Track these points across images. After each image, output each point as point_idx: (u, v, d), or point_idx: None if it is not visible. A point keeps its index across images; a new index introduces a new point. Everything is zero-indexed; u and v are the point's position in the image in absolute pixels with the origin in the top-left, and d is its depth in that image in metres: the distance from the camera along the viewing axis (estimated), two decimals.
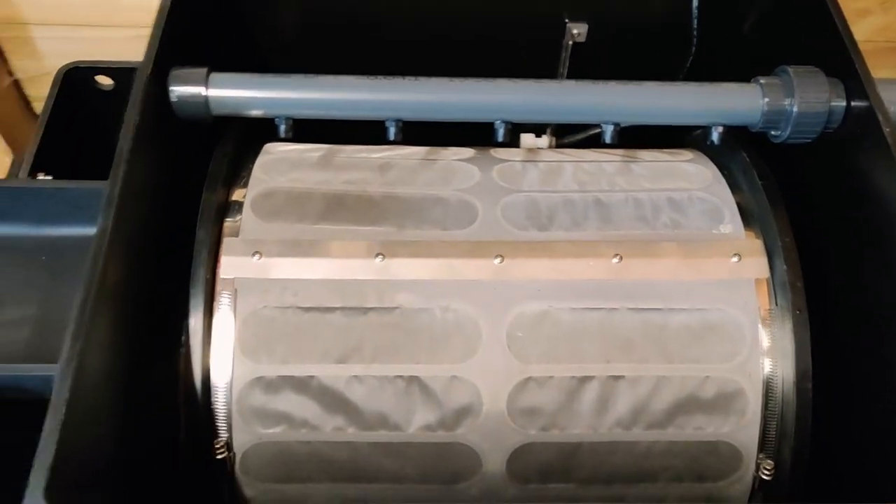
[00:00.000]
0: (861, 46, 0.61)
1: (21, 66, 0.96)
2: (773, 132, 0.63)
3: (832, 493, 0.62)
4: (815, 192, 0.66)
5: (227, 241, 0.61)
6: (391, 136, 0.62)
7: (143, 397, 0.54)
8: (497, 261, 0.62)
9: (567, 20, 0.78)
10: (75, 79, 0.83)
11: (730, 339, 0.61)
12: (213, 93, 0.59)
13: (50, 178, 0.75)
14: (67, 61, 0.90)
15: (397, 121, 0.61)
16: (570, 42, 0.78)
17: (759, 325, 0.61)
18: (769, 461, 0.60)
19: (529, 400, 0.60)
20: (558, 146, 0.87)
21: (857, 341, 0.61)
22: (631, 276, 0.62)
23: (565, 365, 0.60)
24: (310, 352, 0.59)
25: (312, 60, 0.74)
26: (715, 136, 0.63)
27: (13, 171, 0.77)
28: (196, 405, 0.57)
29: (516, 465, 0.60)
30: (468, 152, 0.73)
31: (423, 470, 0.61)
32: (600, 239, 0.64)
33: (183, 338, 0.58)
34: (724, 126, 0.63)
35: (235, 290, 0.60)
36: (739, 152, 0.68)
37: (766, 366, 0.61)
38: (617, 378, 0.60)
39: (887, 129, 0.56)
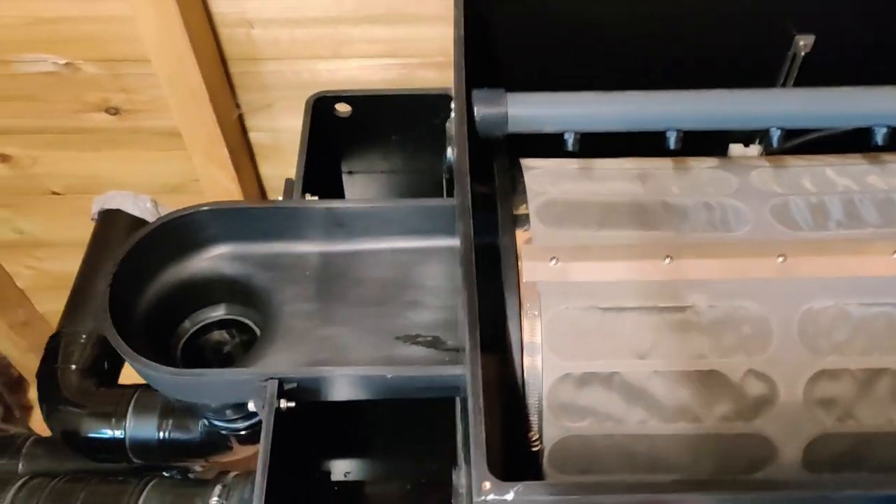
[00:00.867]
0: None
1: (245, 99, 1.04)
2: None
3: None
4: None
5: (525, 248, 0.66)
6: (671, 146, 0.66)
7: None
8: (780, 260, 0.65)
9: (794, 32, 0.81)
10: (318, 107, 0.89)
11: None
12: (512, 111, 0.64)
13: (316, 198, 0.81)
14: (284, 93, 0.98)
15: (678, 130, 0.65)
16: (797, 53, 0.81)
17: None
18: None
19: (825, 392, 0.63)
20: (769, 153, 0.89)
21: None
22: None
23: (858, 358, 0.63)
24: (612, 349, 0.63)
25: (550, 77, 0.79)
26: None
27: (286, 194, 0.84)
28: (514, 401, 0.62)
29: (812, 454, 0.63)
30: (713, 161, 0.76)
31: (719, 460, 0.64)
32: (876, 237, 0.66)
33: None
34: None
35: (539, 293, 0.64)
36: None
37: None
38: None
39: None
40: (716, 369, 0.63)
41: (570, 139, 0.65)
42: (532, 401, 0.63)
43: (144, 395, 1.03)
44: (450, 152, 0.87)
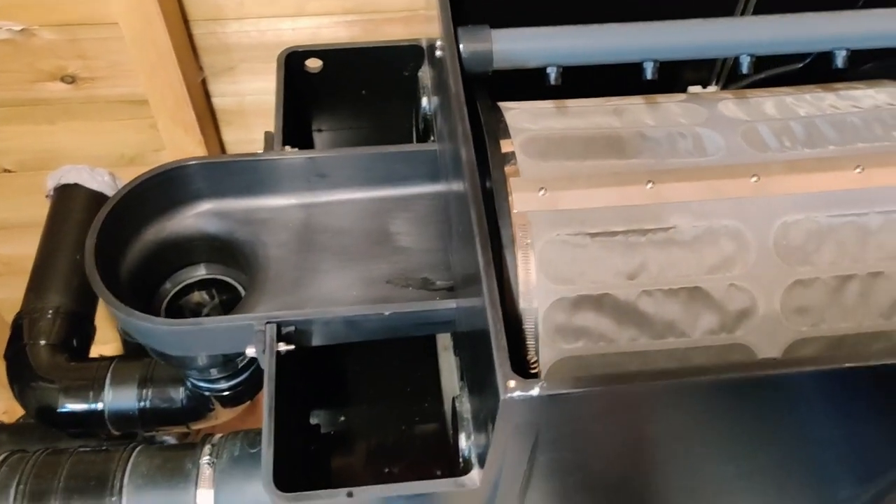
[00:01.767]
0: None
1: (208, 62, 1.03)
2: None
3: None
4: None
5: (513, 181, 0.68)
6: (648, 76, 0.69)
7: None
8: (753, 179, 0.68)
9: None
10: (289, 64, 0.89)
11: None
12: (497, 47, 0.66)
13: (295, 149, 0.81)
14: (248, 54, 0.97)
15: (655, 61, 0.68)
16: None
17: None
18: None
19: (799, 300, 0.67)
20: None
21: None
22: (873, 183, 0.69)
23: (828, 266, 0.67)
24: (602, 272, 0.66)
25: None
26: None
27: (267, 146, 0.83)
28: (511, 328, 0.64)
29: None
30: (681, 96, 0.80)
31: None
32: (839, 154, 0.71)
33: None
34: None
35: (530, 222, 0.66)
36: None
37: None
38: (875, 274, 0.67)
39: None
40: (699, 285, 0.66)
41: (552, 73, 0.68)
42: (528, 326, 0.65)
43: (121, 366, 1.02)
44: (424, 101, 0.89)
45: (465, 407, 0.64)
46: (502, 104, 0.79)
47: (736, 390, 0.51)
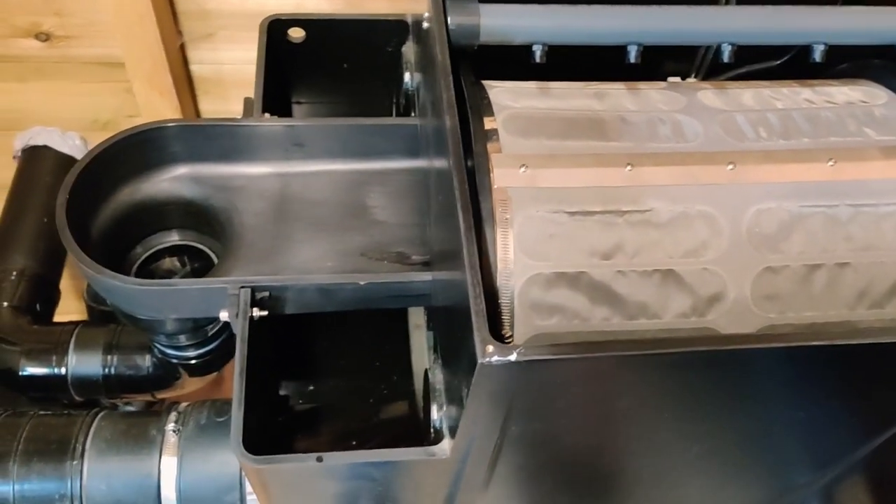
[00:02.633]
0: None
1: (187, 27, 1.01)
2: None
3: None
4: None
5: (495, 156, 0.68)
6: (631, 59, 0.69)
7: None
8: (729, 167, 0.70)
9: None
10: (271, 32, 0.88)
11: None
12: (485, 21, 0.66)
13: (275, 117, 0.81)
14: (227, 21, 0.96)
15: (639, 45, 0.68)
16: None
17: None
18: None
19: (769, 287, 0.68)
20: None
21: None
22: (844, 176, 0.70)
23: (797, 255, 0.68)
24: (579, 250, 0.67)
25: None
26: None
27: (246, 113, 0.82)
28: (488, 301, 0.64)
29: None
30: (661, 84, 0.81)
31: None
32: (812, 147, 0.72)
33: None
34: None
35: (510, 198, 0.66)
36: None
37: None
38: (843, 265, 0.69)
39: None
40: (673, 268, 0.67)
41: (538, 51, 0.68)
42: (504, 301, 0.66)
43: (85, 332, 1.01)
44: (407, 77, 0.89)
45: (438, 378, 0.65)
46: (486, 82, 0.79)
47: (703, 366, 0.52)
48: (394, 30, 0.90)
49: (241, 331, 0.65)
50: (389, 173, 0.84)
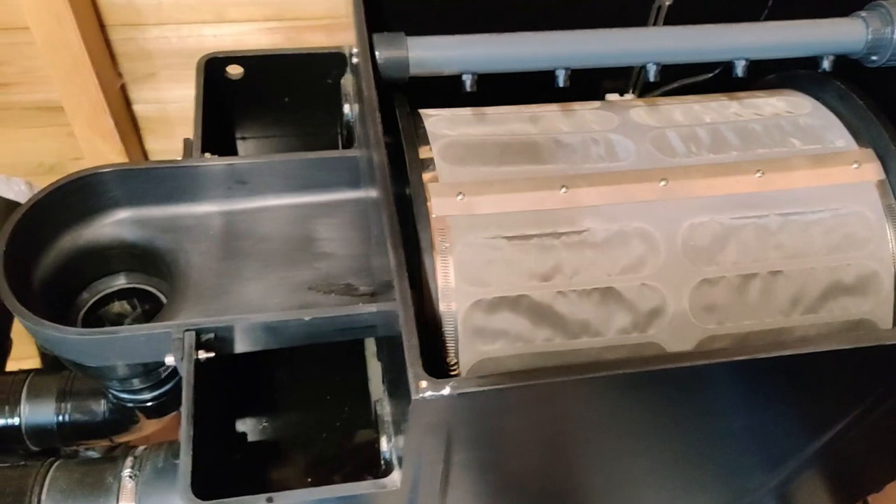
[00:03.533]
0: None
1: (128, 68, 1.01)
2: (872, 58, 0.75)
3: None
4: None
5: (432, 186, 0.69)
6: (560, 83, 0.71)
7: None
8: (662, 183, 0.71)
9: None
10: (209, 70, 0.88)
11: (861, 231, 0.72)
12: (413, 54, 0.67)
13: (215, 156, 0.81)
14: (169, 61, 0.96)
15: (566, 69, 0.70)
16: (661, 5, 0.88)
17: (884, 217, 0.72)
18: None
19: (706, 298, 0.70)
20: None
21: None
22: (772, 187, 0.73)
23: (732, 265, 0.70)
24: (518, 274, 0.68)
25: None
26: (826, 65, 0.75)
27: (186, 153, 0.82)
28: (432, 331, 0.65)
29: None
30: (595, 104, 0.83)
31: None
32: (741, 159, 0.74)
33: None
34: (834, 55, 0.74)
35: (448, 227, 0.67)
36: (831, 82, 0.80)
37: (893, 250, 0.72)
38: (775, 273, 0.71)
39: None
40: (612, 286, 0.69)
41: (468, 80, 0.69)
42: (448, 328, 0.66)
43: (38, 379, 0.99)
44: (347, 108, 0.89)
45: (386, 410, 0.65)
46: (423, 111, 0.80)
47: (644, 384, 0.53)
48: (332, 62, 0.91)
49: (187, 374, 0.64)
50: (335, 205, 0.84)
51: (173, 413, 1.01)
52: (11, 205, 1.15)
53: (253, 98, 0.94)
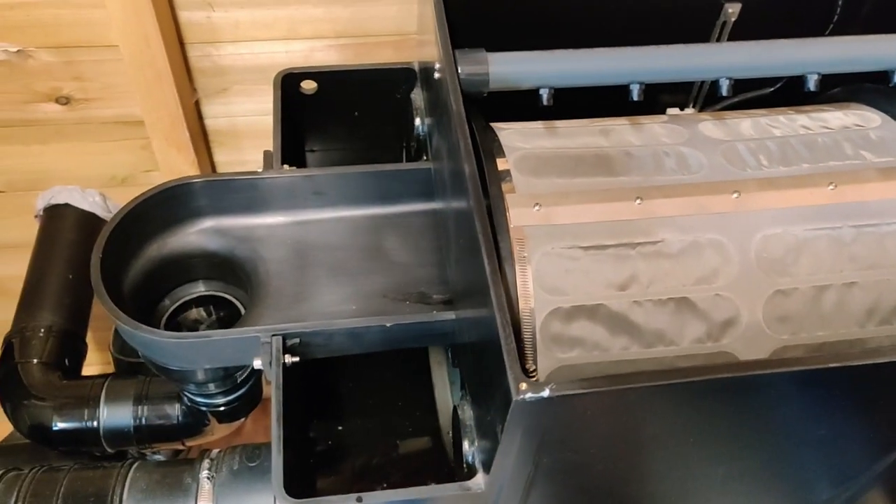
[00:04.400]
0: None
1: (202, 84, 1.05)
2: None
3: None
4: None
5: (509, 197, 0.71)
6: (634, 97, 0.73)
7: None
8: (735, 195, 0.72)
9: (723, 0, 0.89)
10: (284, 85, 0.92)
11: None
12: (494, 69, 0.69)
13: (294, 168, 0.84)
14: (241, 76, 0.99)
15: (640, 83, 0.72)
16: (727, 20, 0.90)
17: None
18: None
19: (780, 309, 0.71)
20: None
21: None
22: (845, 198, 0.73)
23: (806, 277, 0.71)
24: (595, 283, 0.69)
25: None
26: None
27: (266, 165, 0.85)
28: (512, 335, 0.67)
29: None
30: (663, 118, 0.84)
31: None
32: (812, 172, 0.75)
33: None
34: None
35: (526, 236, 0.69)
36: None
37: None
38: (850, 284, 0.71)
39: None
40: (686, 296, 0.70)
41: (545, 94, 0.71)
42: (527, 335, 0.68)
43: (115, 384, 1.03)
44: (418, 122, 0.92)
45: (468, 414, 0.67)
46: (494, 125, 0.83)
47: (726, 391, 0.55)
48: (401, 77, 0.94)
49: (275, 377, 0.67)
50: (405, 216, 0.87)
51: (242, 420, 1.04)
52: (86, 215, 1.20)
53: (324, 112, 0.97)
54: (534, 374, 0.69)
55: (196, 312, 0.91)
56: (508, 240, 0.69)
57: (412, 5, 0.90)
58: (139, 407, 0.99)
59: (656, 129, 0.81)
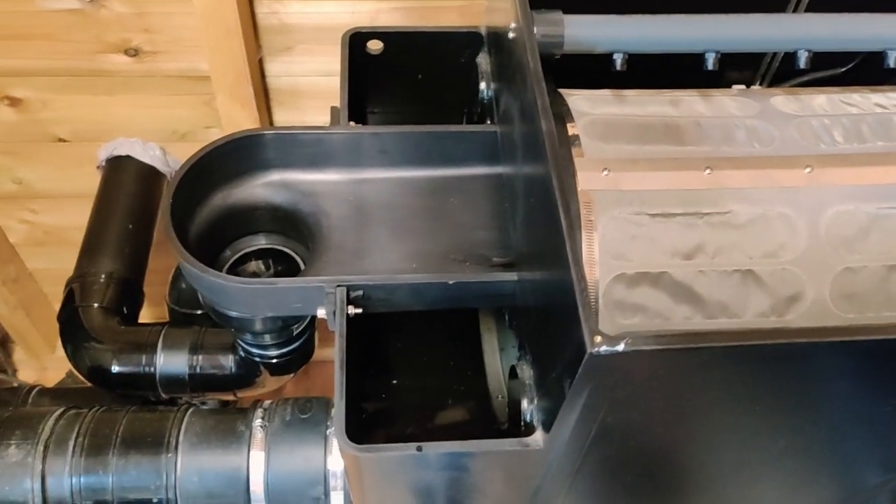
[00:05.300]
0: None
1: (266, 41, 1.06)
2: None
3: None
4: None
5: (579, 160, 0.71)
6: (709, 66, 0.72)
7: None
8: (807, 170, 0.71)
9: None
10: (351, 44, 0.92)
11: None
12: (569, 32, 0.69)
13: (360, 125, 0.85)
14: (305, 36, 0.99)
15: (716, 52, 0.71)
16: None
17: None
18: None
19: (848, 287, 0.70)
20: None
21: None
22: None
23: (875, 255, 0.70)
24: (661, 251, 0.69)
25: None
26: None
27: (333, 121, 0.86)
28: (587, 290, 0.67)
29: None
30: (733, 91, 0.83)
31: None
32: (887, 150, 0.74)
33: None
34: None
35: (593, 200, 0.69)
36: None
37: None
38: None
39: None
40: (752, 269, 0.69)
41: (618, 59, 0.71)
42: (590, 300, 0.68)
43: (172, 333, 1.05)
44: (483, 86, 0.92)
45: (527, 374, 0.67)
46: (562, 90, 0.82)
47: (794, 359, 0.54)
48: (468, 41, 0.94)
49: (339, 327, 0.68)
50: (467, 179, 0.87)
51: (292, 374, 1.06)
52: (147, 168, 1.22)
53: (388, 73, 0.97)
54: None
55: (255, 265, 0.92)
56: (576, 203, 0.69)
57: None
58: (194, 356, 1.01)
59: (726, 102, 0.80)
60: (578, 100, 0.79)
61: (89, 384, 1.09)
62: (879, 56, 0.78)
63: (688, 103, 0.79)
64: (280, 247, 0.90)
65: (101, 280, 1.08)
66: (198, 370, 1.01)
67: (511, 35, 0.71)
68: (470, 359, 0.98)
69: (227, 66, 1.01)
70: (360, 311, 0.71)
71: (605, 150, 0.72)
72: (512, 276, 0.71)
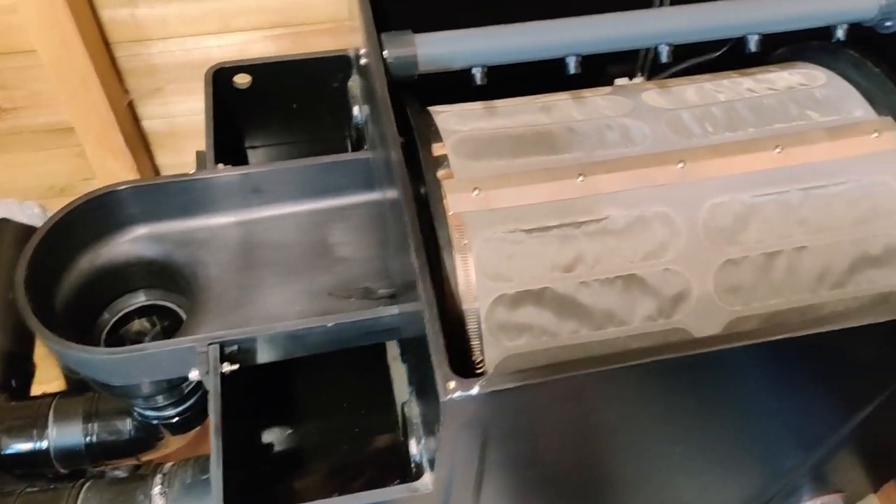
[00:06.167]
0: None
1: (134, 85, 1.01)
2: (886, 24, 0.74)
3: None
4: None
5: (447, 183, 0.68)
6: (571, 70, 0.70)
7: None
8: (680, 165, 0.70)
9: None
10: (217, 80, 0.88)
11: (885, 201, 0.71)
12: (422, 51, 0.66)
13: (229, 166, 0.81)
14: (175, 74, 0.95)
15: (577, 55, 0.69)
16: None
17: None
18: None
19: (731, 279, 0.69)
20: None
21: None
22: (792, 161, 0.71)
23: (755, 244, 0.69)
24: (540, 267, 0.67)
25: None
26: (840, 34, 0.73)
27: (199, 165, 0.82)
28: (455, 330, 0.64)
29: None
30: (606, 89, 0.82)
31: None
32: (758, 136, 0.73)
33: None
34: (847, 24, 0.73)
35: (465, 223, 0.67)
36: (845, 52, 0.79)
37: None
38: (800, 249, 0.70)
39: None
40: (635, 272, 0.68)
41: (478, 74, 0.68)
42: (471, 326, 0.66)
43: (63, 402, 0.99)
44: (356, 111, 0.89)
45: (415, 412, 0.64)
46: (432, 108, 0.80)
47: (674, 370, 0.53)
48: (338, 66, 0.91)
49: (213, 387, 0.64)
50: (349, 208, 0.84)
51: (197, 428, 1.01)
52: (26, 229, 1.16)
53: (261, 106, 0.94)
54: (481, 365, 0.67)
55: (139, 324, 0.88)
56: (447, 228, 0.66)
57: None
58: (89, 424, 0.95)
59: (599, 102, 0.79)
60: (447, 117, 0.77)
61: None
62: None
63: (560, 108, 0.77)
64: (161, 302, 0.86)
65: None
66: (94, 439, 0.95)
67: (363, 61, 0.68)
68: (380, 391, 0.95)
69: (89, 115, 0.96)
70: (236, 367, 0.67)
71: (475, 168, 0.70)
72: (392, 309, 0.69)
